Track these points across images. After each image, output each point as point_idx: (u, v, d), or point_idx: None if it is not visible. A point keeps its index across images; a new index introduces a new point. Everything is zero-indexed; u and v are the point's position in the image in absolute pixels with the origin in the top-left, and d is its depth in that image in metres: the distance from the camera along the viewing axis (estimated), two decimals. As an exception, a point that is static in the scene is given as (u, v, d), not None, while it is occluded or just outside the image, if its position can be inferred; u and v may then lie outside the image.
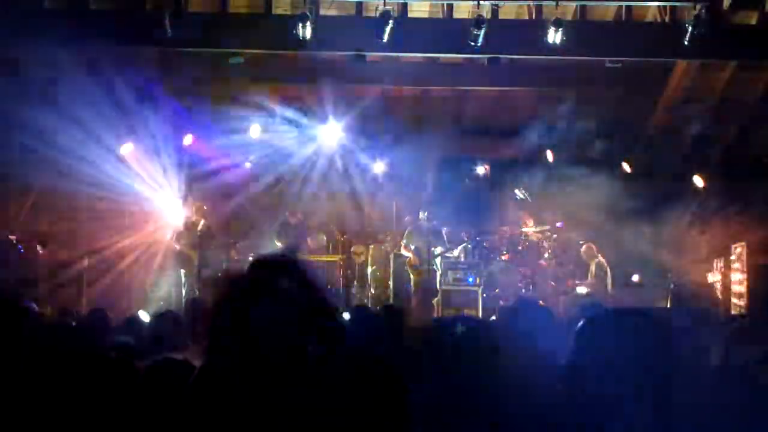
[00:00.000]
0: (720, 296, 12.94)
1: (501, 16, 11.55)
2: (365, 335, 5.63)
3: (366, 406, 1.83)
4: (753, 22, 11.86)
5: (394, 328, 5.69)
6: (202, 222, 12.85)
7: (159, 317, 6.11)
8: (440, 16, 12.11)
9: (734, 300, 12.68)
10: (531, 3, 11.62)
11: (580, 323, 2.06)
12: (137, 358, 3.82)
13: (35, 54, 11.71)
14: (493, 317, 8.06)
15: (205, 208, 13.06)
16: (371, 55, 12.45)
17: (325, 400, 1.83)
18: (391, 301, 11.91)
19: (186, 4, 11.50)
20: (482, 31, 10.60)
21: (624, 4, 11.82)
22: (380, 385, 1.86)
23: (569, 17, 11.86)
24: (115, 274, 12.88)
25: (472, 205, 13.89)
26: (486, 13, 10.84)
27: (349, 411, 1.81)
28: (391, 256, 13.11)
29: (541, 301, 11.87)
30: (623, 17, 12.10)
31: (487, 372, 2.86)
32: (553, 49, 10.85)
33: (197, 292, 11.96)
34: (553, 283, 12.91)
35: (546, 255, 13.28)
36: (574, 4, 11.76)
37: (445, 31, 11.64)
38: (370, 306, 12.12)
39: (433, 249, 12.43)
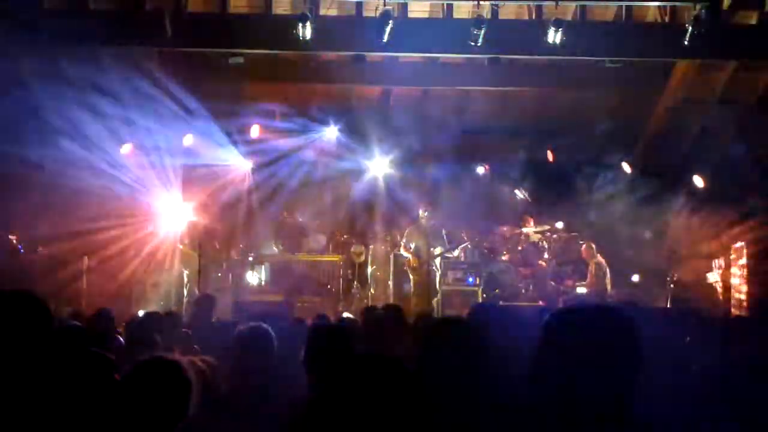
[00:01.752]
0: (720, 296, 12.94)
1: (501, 16, 11.54)
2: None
3: (385, 412, 1.81)
4: (753, 22, 11.86)
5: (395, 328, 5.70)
6: (203, 222, 12.86)
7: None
8: (440, 16, 12.11)
9: (734, 300, 12.68)
10: (531, 3, 11.62)
11: (545, 319, 2.07)
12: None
13: (35, 54, 11.72)
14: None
15: (206, 207, 13.06)
16: (371, 55, 12.44)
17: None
18: (391, 301, 11.90)
19: (186, 4, 11.51)
20: (482, 31, 10.59)
21: (624, 4, 11.82)
22: (398, 390, 1.85)
23: (569, 17, 11.86)
24: (115, 273, 12.88)
25: (472, 205, 13.89)
26: (486, 13, 10.83)
27: (367, 417, 1.80)
28: (391, 256, 13.10)
29: (541, 301, 11.97)
30: (623, 17, 12.10)
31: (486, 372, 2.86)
32: (553, 49, 10.84)
33: (197, 292, 11.97)
34: (553, 283, 12.91)
35: (546, 255, 13.28)
36: (574, 4, 11.76)
37: (445, 31, 11.63)
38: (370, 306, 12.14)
39: (433, 249, 12.42)
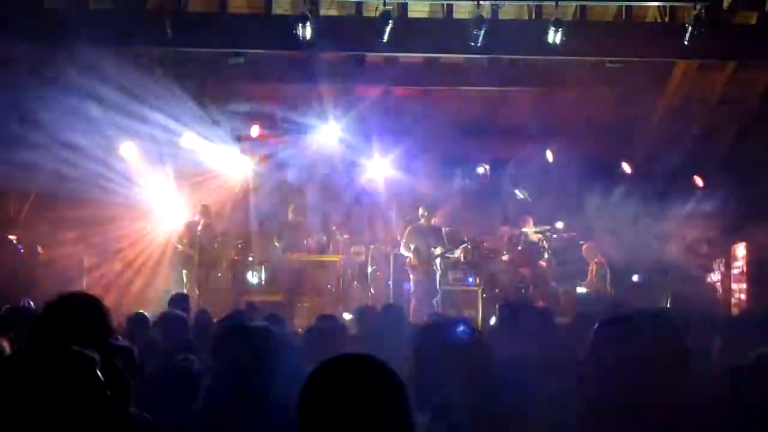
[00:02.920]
0: (720, 296, 12.94)
1: (501, 16, 11.55)
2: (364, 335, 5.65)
3: (366, 413, 1.84)
4: (753, 22, 11.87)
5: (395, 328, 5.70)
6: (203, 221, 12.85)
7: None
8: (440, 16, 12.11)
9: (734, 300, 12.68)
10: (531, 3, 11.62)
11: (597, 324, 2.07)
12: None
13: (36, 54, 11.71)
14: (494, 318, 8.06)
15: (206, 207, 13.06)
16: (371, 55, 12.44)
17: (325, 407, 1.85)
18: (391, 301, 11.89)
19: (186, 4, 11.51)
20: (482, 31, 10.59)
21: (624, 4, 11.82)
22: (381, 391, 1.88)
23: (569, 17, 11.86)
24: (115, 274, 12.88)
25: (472, 205, 13.88)
26: (486, 13, 10.83)
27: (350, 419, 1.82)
28: (391, 256, 13.09)
29: (541, 301, 11.97)
30: (623, 17, 12.10)
31: (489, 373, 2.86)
32: (553, 49, 10.84)
33: (197, 292, 11.97)
34: (553, 283, 12.91)
35: (546, 255, 13.28)
36: (574, 4, 11.76)
37: (445, 31, 11.64)
38: (369, 306, 12.13)
39: (433, 249, 12.42)
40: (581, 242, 13.25)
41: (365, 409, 1.83)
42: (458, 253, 12.88)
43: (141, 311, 7.17)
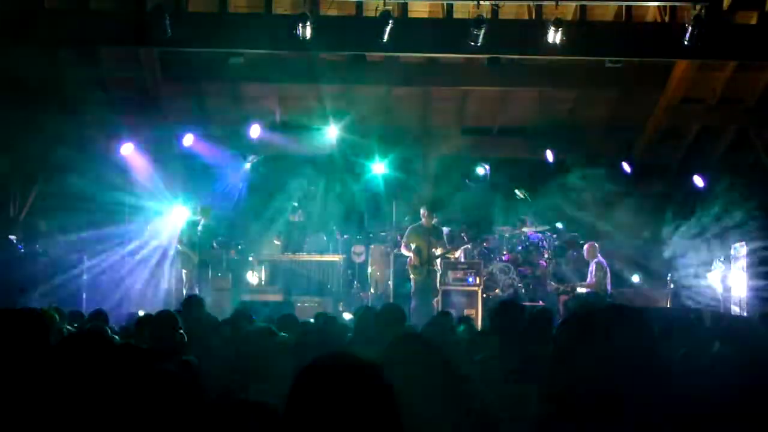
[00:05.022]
0: (720, 296, 12.94)
1: (501, 16, 11.54)
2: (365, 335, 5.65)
3: (353, 413, 1.83)
4: (753, 22, 11.86)
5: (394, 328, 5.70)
6: (202, 221, 12.86)
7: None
8: (440, 16, 12.10)
9: (734, 300, 12.67)
10: (531, 3, 11.61)
11: (559, 322, 2.09)
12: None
13: (35, 54, 11.71)
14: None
15: (206, 207, 13.06)
16: (371, 55, 12.44)
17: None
18: (391, 301, 11.89)
19: (186, 4, 11.50)
20: (482, 31, 10.59)
21: (624, 4, 11.82)
22: (368, 392, 1.86)
23: (569, 17, 11.86)
24: (115, 273, 12.88)
25: (472, 205, 13.88)
26: (486, 13, 10.82)
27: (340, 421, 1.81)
28: (391, 256, 13.09)
29: (541, 301, 11.98)
30: (623, 17, 12.09)
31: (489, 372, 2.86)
32: (553, 49, 10.84)
33: (197, 291, 11.97)
34: (553, 283, 12.91)
35: (546, 255, 13.28)
36: (574, 4, 11.75)
37: (445, 31, 11.63)
38: (369, 306, 12.13)
39: (433, 249, 12.42)
40: (582, 242, 13.25)
41: (351, 410, 1.82)
42: (458, 253, 12.89)
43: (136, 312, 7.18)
